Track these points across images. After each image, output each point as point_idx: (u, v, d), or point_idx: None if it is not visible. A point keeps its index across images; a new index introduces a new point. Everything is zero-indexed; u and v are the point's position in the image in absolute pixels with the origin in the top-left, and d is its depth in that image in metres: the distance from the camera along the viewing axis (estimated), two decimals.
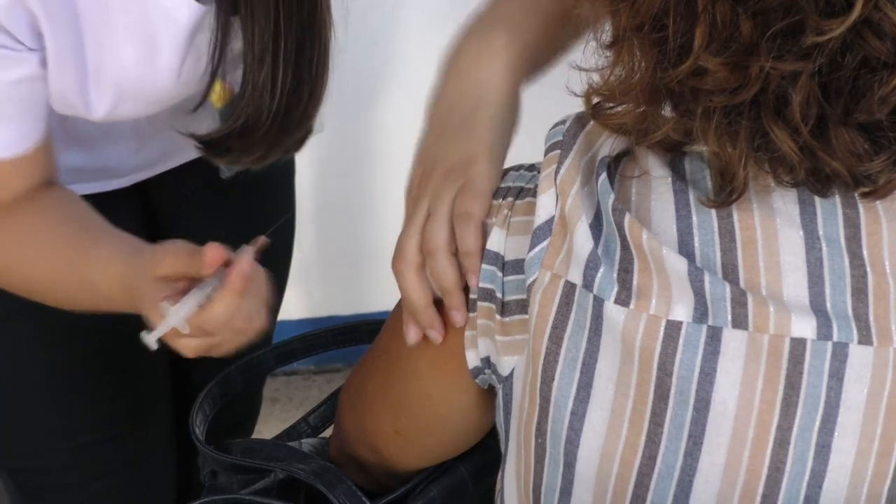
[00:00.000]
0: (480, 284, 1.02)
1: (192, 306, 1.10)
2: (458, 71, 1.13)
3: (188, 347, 1.13)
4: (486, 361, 1.04)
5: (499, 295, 1.01)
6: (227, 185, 1.32)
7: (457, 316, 1.04)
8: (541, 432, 0.98)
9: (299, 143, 1.33)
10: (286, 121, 1.26)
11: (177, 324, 1.09)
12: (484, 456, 1.20)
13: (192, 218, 1.44)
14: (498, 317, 1.01)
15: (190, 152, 1.45)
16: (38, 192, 1.26)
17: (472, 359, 1.05)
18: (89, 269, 1.20)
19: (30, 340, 1.44)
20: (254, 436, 1.80)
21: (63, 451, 1.50)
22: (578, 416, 0.95)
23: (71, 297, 1.25)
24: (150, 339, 1.11)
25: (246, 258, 1.10)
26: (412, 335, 1.08)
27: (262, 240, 1.14)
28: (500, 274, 1.01)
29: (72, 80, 1.21)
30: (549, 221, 0.96)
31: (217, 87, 1.28)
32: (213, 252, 1.09)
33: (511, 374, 1.01)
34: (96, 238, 1.23)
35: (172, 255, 1.13)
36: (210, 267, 1.09)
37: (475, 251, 1.03)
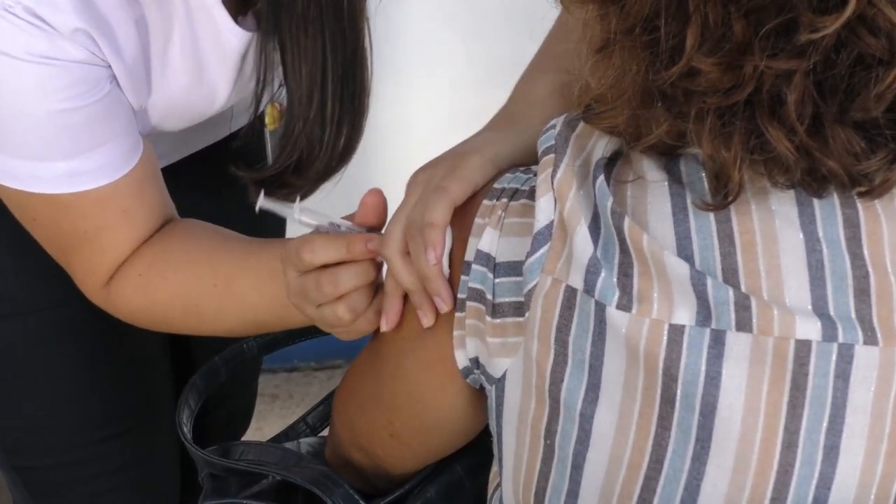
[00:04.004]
0: (470, 285, 1.01)
1: (316, 217, 1.12)
2: (510, 112, 1.14)
3: (288, 276, 1.13)
4: (476, 362, 1.03)
5: (489, 297, 0.99)
6: (227, 179, 1.31)
7: (439, 303, 1.03)
8: (550, 433, 0.97)
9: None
10: (334, 152, 1.28)
11: (295, 214, 1.11)
12: (478, 453, 1.20)
13: (195, 208, 1.42)
14: (488, 318, 1.00)
15: (198, 143, 1.46)
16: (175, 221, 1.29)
17: (461, 359, 1.04)
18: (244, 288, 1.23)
19: (42, 338, 1.44)
20: (254, 433, 1.79)
21: (78, 446, 1.50)
22: (587, 417, 0.95)
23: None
24: (262, 201, 1.13)
25: (378, 241, 1.10)
26: (427, 317, 1.06)
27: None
28: (490, 275, 0.99)
29: (133, 96, 1.22)
30: (549, 226, 0.95)
31: (269, 109, 1.30)
32: (373, 197, 1.12)
33: (504, 376, 1.01)
34: (242, 259, 1.25)
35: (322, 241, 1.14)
36: (364, 203, 1.12)
37: (438, 223, 1.02)
